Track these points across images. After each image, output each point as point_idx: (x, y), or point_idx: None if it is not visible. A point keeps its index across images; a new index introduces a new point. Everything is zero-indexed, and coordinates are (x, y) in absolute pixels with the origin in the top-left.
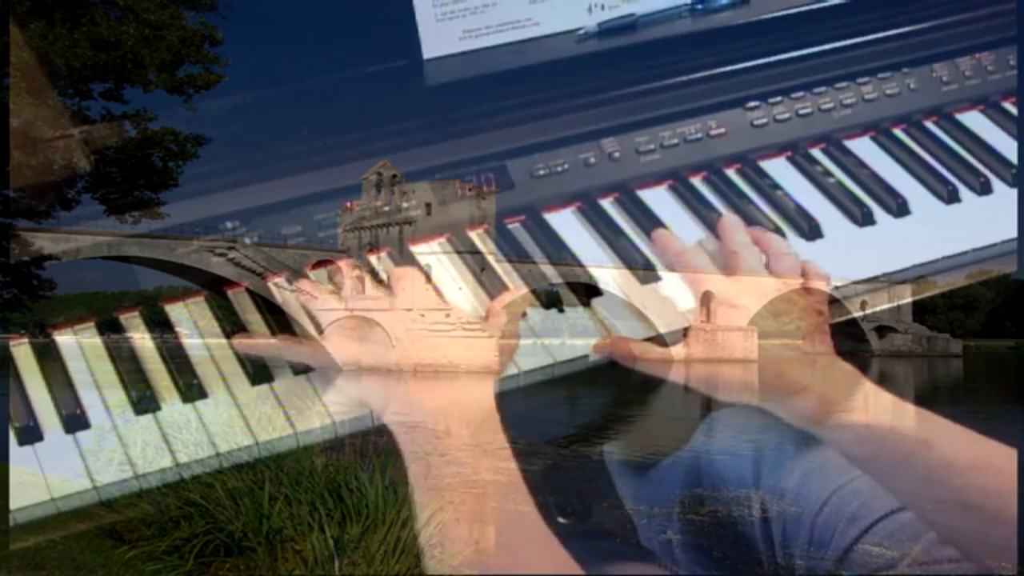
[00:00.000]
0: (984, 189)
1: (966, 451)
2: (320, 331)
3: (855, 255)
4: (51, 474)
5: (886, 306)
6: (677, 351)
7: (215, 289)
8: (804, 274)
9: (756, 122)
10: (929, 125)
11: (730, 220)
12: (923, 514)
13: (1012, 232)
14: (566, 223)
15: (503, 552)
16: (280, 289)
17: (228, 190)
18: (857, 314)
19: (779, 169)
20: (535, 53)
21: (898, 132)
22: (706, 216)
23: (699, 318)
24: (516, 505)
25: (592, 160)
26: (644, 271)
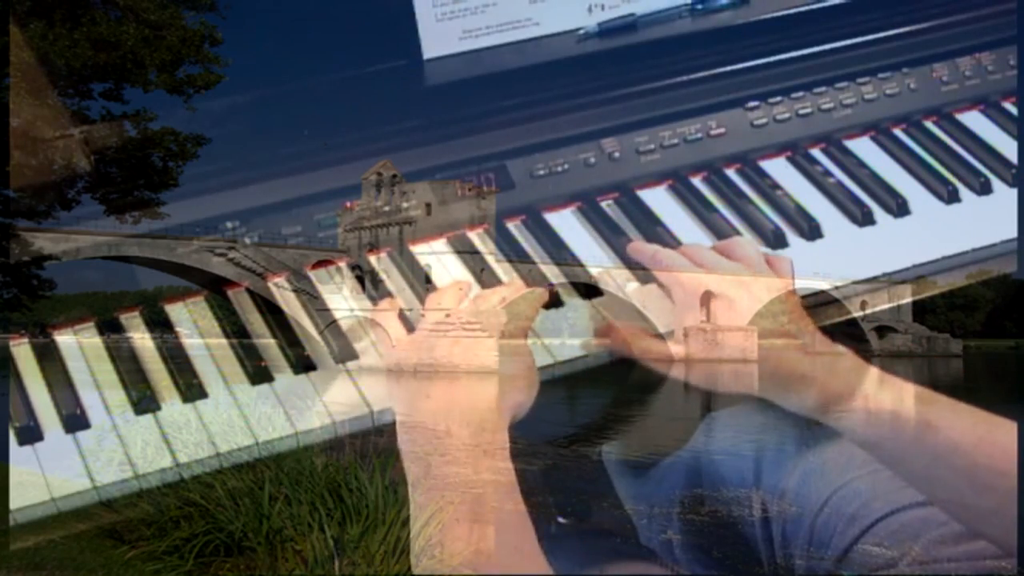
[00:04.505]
0: (984, 189)
1: (967, 451)
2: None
3: (855, 255)
4: (51, 474)
5: (886, 306)
6: (677, 351)
7: (215, 289)
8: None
9: (756, 122)
10: (929, 125)
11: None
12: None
13: (1012, 232)
14: (566, 223)
15: (503, 552)
16: (280, 289)
17: (228, 190)
18: (857, 314)
19: (779, 169)
20: (535, 53)
21: (898, 132)
22: (706, 216)
23: (699, 318)
24: (516, 505)
25: (592, 160)
26: (644, 271)
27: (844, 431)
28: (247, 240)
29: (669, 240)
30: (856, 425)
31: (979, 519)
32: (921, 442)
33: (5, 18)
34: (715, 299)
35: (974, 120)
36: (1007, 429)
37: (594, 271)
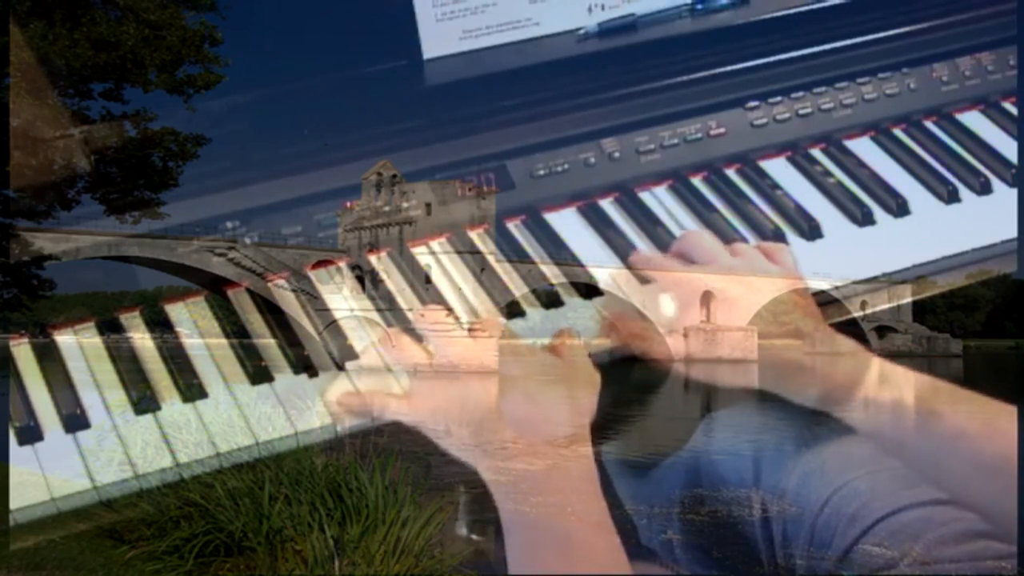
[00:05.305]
0: (984, 189)
1: (967, 450)
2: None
3: (855, 255)
4: (51, 474)
5: (886, 306)
6: (677, 351)
7: (215, 289)
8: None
9: (756, 122)
10: (929, 125)
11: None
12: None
13: (1012, 232)
14: (566, 223)
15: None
16: (280, 289)
17: (228, 190)
18: (857, 314)
19: (779, 169)
20: (535, 53)
21: (898, 132)
22: (706, 216)
23: (699, 318)
24: (516, 505)
25: (592, 160)
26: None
27: (851, 422)
28: (247, 240)
29: (669, 240)
30: (863, 416)
31: (984, 505)
32: (927, 429)
33: (5, 18)
34: (715, 299)
35: (974, 120)
36: (1010, 415)
37: (594, 271)
